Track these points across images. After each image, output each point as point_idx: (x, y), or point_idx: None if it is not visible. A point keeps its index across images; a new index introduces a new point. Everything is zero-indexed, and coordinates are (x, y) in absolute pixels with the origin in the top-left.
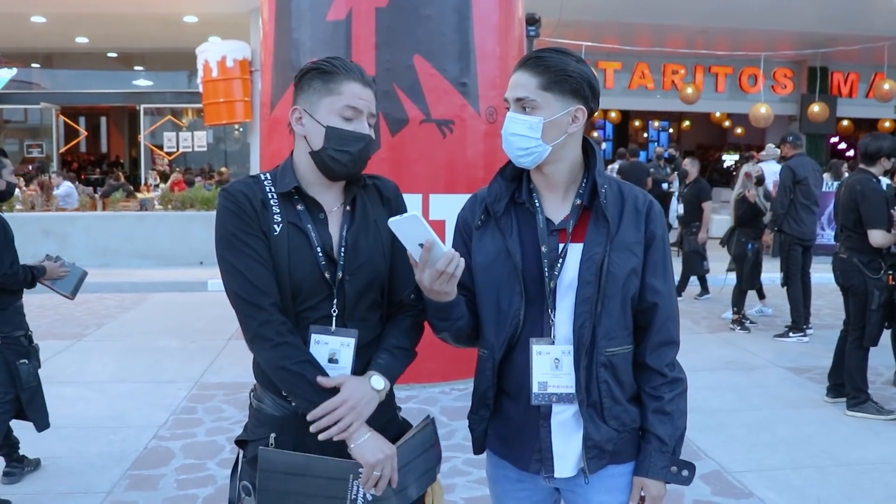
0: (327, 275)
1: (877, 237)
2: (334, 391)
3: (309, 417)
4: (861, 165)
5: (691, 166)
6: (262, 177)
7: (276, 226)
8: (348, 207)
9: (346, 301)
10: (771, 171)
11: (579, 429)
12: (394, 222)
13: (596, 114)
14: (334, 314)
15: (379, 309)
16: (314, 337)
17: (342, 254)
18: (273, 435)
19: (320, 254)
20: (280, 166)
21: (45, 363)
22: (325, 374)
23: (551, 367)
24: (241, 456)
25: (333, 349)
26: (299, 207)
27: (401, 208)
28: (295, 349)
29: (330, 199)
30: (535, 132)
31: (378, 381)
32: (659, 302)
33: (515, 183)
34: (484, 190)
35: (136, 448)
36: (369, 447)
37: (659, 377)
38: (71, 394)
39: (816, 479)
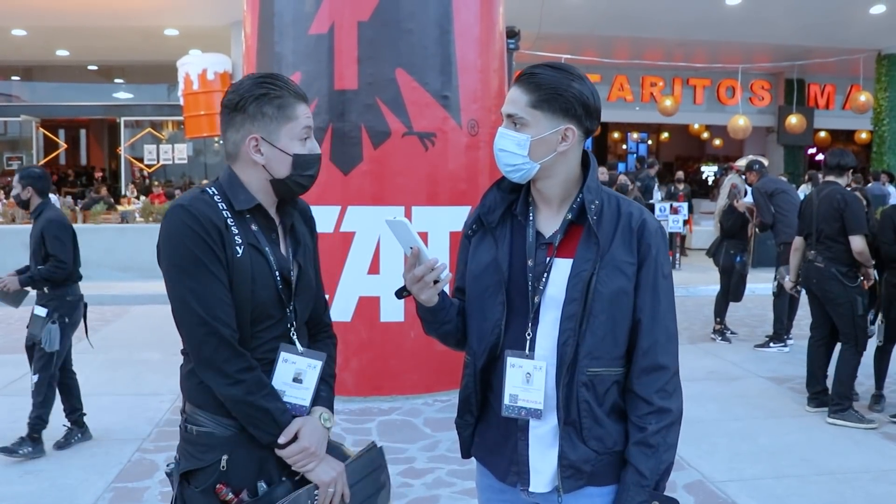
0: (283, 296)
1: (858, 243)
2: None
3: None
4: (830, 178)
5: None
6: (210, 193)
7: (237, 248)
8: (289, 229)
9: (296, 319)
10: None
11: (556, 445)
12: (389, 223)
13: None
14: (294, 335)
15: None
16: (283, 356)
17: (292, 275)
18: (225, 457)
19: (278, 276)
20: (224, 183)
21: (27, 376)
22: (283, 402)
23: (523, 380)
24: (183, 488)
25: (300, 369)
26: (253, 227)
27: (315, 229)
28: (258, 384)
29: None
30: (523, 149)
31: (327, 418)
32: (643, 322)
33: (514, 194)
34: None
35: (120, 461)
36: (323, 468)
37: (644, 405)
38: (53, 406)
39: (798, 487)
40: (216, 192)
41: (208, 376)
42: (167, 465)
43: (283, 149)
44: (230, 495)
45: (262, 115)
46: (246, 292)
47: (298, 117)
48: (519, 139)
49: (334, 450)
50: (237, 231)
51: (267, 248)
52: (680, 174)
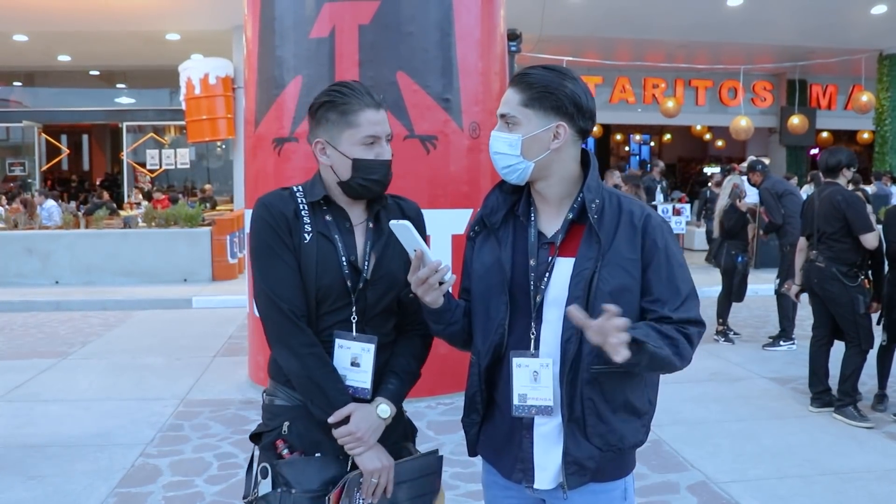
0: (349, 283)
1: (870, 239)
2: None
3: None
4: (827, 179)
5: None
6: (295, 189)
7: (306, 234)
8: (371, 224)
9: (366, 308)
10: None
11: (561, 442)
12: (393, 225)
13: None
14: (354, 320)
15: (394, 316)
16: (338, 342)
17: (366, 266)
18: (287, 423)
19: (345, 262)
20: (310, 180)
21: (30, 381)
22: (342, 384)
23: (530, 379)
24: (255, 451)
25: (355, 353)
26: (327, 218)
27: (421, 227)
28: (318, 360)
29: (356, 213)
30: (515, 149)
31: (385, 410)
32: (667, 318)
33: (516, 195)
34: None
35: (124, 466)
36: (369, 456)
37: (670, 321)
38: (57, 412)
39: (802, 488)
40: (300, 189)
41: (276, 350)
42: None
43: (344, 153)
44: (286, 451)
45: (326, 121)
46: (311, 276)
47: (360, 124)
48: (511, 139)
49: (399, 422)
50: (309, 220)
51: (336, 236)
52: (717, 176)
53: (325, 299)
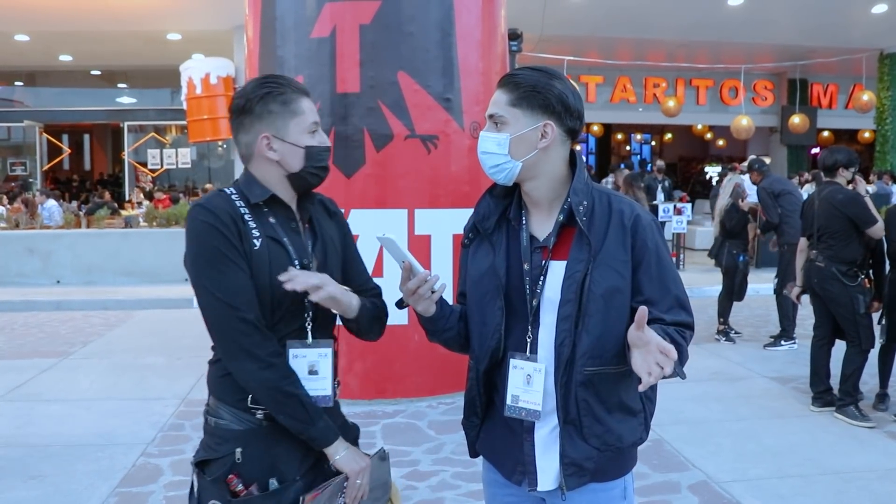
0: None
1: (877, 230)
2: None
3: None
4: (826, 179)
5: None
6: (228, 191)
7: (255, 240)
8: (306, 225)
9: (318, 313)
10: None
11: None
12: (380, 239)
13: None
14: (309, 327)
15: (333, 321)
16: (292, 352)
17: (312, 267)
18: (239, 450)
19: (297, 266)
20: (241, 181)
21: (31, 381)
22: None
23: (523, 382)
24: (197, 477)
25: (312, 361)
26: (271, 220)
27: (343, 220)
28: (287, 369)
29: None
30: (503, 149)
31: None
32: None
33: (508, 199)
34: None
35: (125, 465)
36: (352, 457)
37: (663, 322)
38: (58, 412)
39: (803, 487)
40: (234, 191)
41: (238, 364)
42: (195, 454)
43: (294, 142)
44: (240, 486)
45: (269, 113)
46: (264, 283)
47: (305, 112)
48: (499, 139)
49: (346, 428)
50: (255, 224)
51: (286, 239)
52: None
53: (279, 306)
